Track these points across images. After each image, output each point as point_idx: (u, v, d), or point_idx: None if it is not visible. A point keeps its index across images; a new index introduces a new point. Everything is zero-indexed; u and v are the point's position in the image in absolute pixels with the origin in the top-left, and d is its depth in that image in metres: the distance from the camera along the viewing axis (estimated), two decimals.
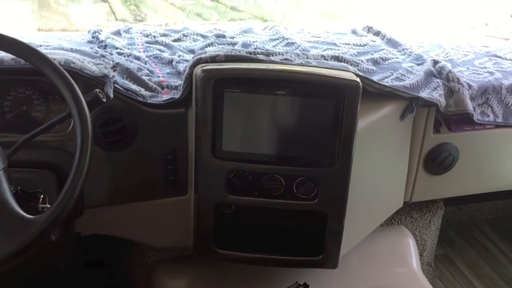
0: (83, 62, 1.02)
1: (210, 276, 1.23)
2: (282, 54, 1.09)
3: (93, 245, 1.27)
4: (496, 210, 1.96)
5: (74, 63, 0.97)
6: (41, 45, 1.17)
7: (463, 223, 1.91)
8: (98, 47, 1.23)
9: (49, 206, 0.83)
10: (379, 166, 1.19)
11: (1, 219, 0.71)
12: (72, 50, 1.13)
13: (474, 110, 1.20)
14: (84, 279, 1.37)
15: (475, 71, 1.29)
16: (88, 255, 1.37)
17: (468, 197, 1.42)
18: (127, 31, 1.41)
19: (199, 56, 1.02)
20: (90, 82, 0.98)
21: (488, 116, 1.24)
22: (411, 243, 1.38)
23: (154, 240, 1.16)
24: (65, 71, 0.80)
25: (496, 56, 1.40)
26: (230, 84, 0.97)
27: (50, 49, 1.12)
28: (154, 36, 1.39)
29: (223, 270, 1.22)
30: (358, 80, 0.97)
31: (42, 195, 0.83)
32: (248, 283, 1.21)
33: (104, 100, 0.88)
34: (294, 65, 1.05)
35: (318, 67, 1.05)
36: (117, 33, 1.39)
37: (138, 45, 1.34)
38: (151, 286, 1.24)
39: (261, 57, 1.05)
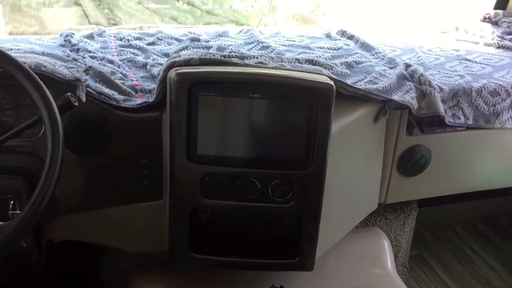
0: (55, 65, 1.00)
1: (186, 281, 1.22)
2: (257, 58, 1.09)
3: (66, 252, 1.25)
4: (468, 211, 2.00)
5: (45, 66, 0.96)
6: (11, 49, 1.15)
7: (437, 224, 1.94)
8: (70, 51, 1.22)
9: (19, 212, 0.81)
10: (354, 168, 1.20)
11: None
12: (43, 54, 1.11)
13: (445, 112, 1.22)
14: (58, 286, 1.35)
15: (446, 74, 1.31)
16: (61, 263, 1.34)
17: (441, 198, 1.44)
18: (100, 34, 1.40)
19: (173, 60, 1.02)
20: (62, 86, 0.96)
21: (459, 118, 1.27)
22: (386, 245, 1.39)
23: (130, 245, 1.14)
24: (34, 74, 0.78)
25: (466, 59, 1.44)
26: (204, 87, 0.96)
27: (20, 52, 1.10)
28: (128, 40, 1.38)
29: (200, 275, 1.22)
30: (331, 83, 0.98)
31: (12, 201, 0.81)
32: (225, 287, 1.21)
33: (76, 104, 0.86)
34: (269, 68, 1.05)
35: (292, 70, 1.05)
36: (90, 36, 1.38)
37: (112, 48, 1.32)
38: None
39: (235, 60, 1.05)
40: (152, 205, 1.10)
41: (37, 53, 1.11)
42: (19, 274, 1.06)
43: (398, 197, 1.36)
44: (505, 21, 1.75)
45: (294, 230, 1.07)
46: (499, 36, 1.62)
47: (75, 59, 1.12)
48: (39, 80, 0.79)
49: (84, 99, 0.95)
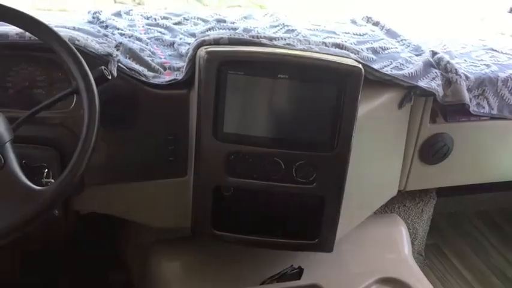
0: (87, 40, 1.02)
1: (205, 258, 1.24)
2: (285, 39, 1.10)
3: (90, 224, 1.28)
4: (486, 203, 1.99)
5: (78, 40, 0.97)
6: None
7: (454, 215, 1.94)
8: (100, 27, 1.23)
9: (52, 180, 0.84)
10: (376, 153, 1.20)
11: (11, 189, 0.72)
12: (74, 29, 1.12)
13: (470, 101, 1.22)
14: (79, 259, 1.38)
15: (472, 63, 1.30)
16: (85, 234, 1.37)
17: (459, 188, 1.44)
18: (127, 13, 1.41)
19: (203, 38, 1.03)
20: (94, 60, 0.98)
21: (484, 107, 1.26)
22: (404, 232, 1.40)
23: (152, 220, 1.16)
24: (73, 47, 0.80)
25: (492, 49, 1.43)
26: (233, 66, 0.97)
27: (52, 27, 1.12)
28: (155, 19, 1.40)
29: (219, 252, 1.24)
30: (360, 66, 0.99)
31: (46, 170, 0.83)
32: (243, 266, 1.22)
33: (109, 77, 0.88)
34: (297, 49, 1.06)
35: (320, 53, 1.06)
36: (118, 14, 1.39)
37: (139, 27, 1.34)
38: (147, 266, 1.25)
39: (264, 41, 1.06)
40: (176, 181, 1.12)
41: (68, 28, 1.13)
42: (47, 243, 1.09)
43: (418, 185, 1.36)
44: None
45: (316, 212, 1.09)
46: None
47: (105, 35, 1.13)
48: (77, 52, 0.80)
49: (115, 73, 0.97)
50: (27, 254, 1.21)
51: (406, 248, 1.37)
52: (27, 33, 0.95)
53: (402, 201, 1.51)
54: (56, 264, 1.37)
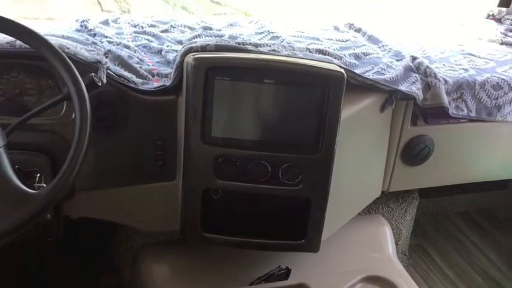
0: (76, 47, 1.04)
1: (194, 260, 1.26)
2: (270, 46, 1.13)
3: (81, 228, 1.29)
4: (467, 203, 2.04)
5: (68, 48, 0.99)
6: None
7: (436, 215, 1.99)
8: (88, 36, 1.25)
9: (44, 185, 0.85)
10: (359, 155, 1.24)
11: (4, 193, 0.73)
12: (63, 37, 1.15)
13: (449, 104, 1.26)
14: (70, 263, 1.39)
15: (450, 68, 1.35)
16: (75, 239, 1.38)
17: (441, 189, 1.48)
18: (115, 21, 1.44)
19: (190, 45, 1.06)
20: (83, 67, 1.00)
21: (463, 110, 1.31)
22: (388, 232, 1.44)
23: (142, 224, 1.18)
24: (64, 54, 0.82)
25: (470, 54, 1.47)
26: (220, 72, 1.00)
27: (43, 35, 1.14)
28: (142, 27, 1.42)
29: (208, 254, 1.26)
30: (342, 71, 1.02)
31: (38, 174, 0.85)
32: (232, 267, 1.25)
33: (99, 84, 0.90)
34: (281, 55, 1.10)
35: (304, 58, 1.09)
36: (106, 22, 1.42)
37: (127, 34, 1.36)
38: (137, 270, 1.27)
39: (249, 47, 1.09)
40: (165, 185, 1.14)
41: (57, 36, 1.15)
42: (35, 248, 1.10)
43: (401, 186, 1.40)
44: (508, 19, 1.78)
45: (302, 213, 1.12)
46: (502, 33, 1.66)
47: (94, 43, 1.15)
48: (68, 59, 0.83)
49: (105, 80, 0.99)
50: (17, 258, 1.21)
51: (391, 248, 1.40)
52: (17, 42, 0.97)
53: (386, 202, 1.55)
54: (46, 268, 1.38)
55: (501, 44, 1.60)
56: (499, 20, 1.82)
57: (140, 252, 1.29)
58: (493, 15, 1.84)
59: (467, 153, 1.39)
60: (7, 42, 0.98)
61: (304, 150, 1.05)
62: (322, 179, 1.08)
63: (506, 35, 1.65)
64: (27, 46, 0.89)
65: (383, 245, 1.40)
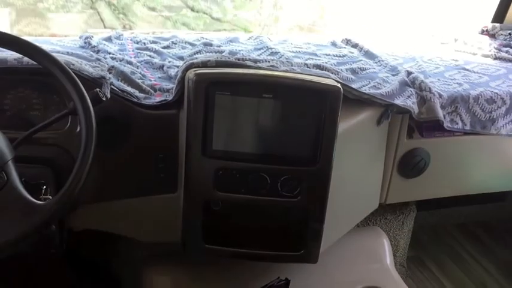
0: (81, 64, 1.07)
1: (195, 271, 1.28)
2: (268, 62, 1.16)
3: (84, 240, 1.31)
4: (465, 216, 2.06)
5: (73, 64, 1.03)
6: None
7: (434, 228, 2.01)
8: (92, 52, 1.29)
9: (50, 197, 0.88)
10: (357, 168, 1.26)
11: (14, 204, 0.76)
12: (68, 53, 1.18)
13: (444, 117, 1.29)
14: (72, 275, 1.40)
15: (445, 82, 1.38)
16: (78, 251, 1.40)
17: (439, 202, 1.51)
18: (118, 37, 1.47)
19: (191, 61, 1.09)
20: (88, 83, 1.03)
21: (457, 123, 1.33)
22: (386, 243, 1.45)
23: (144, 236, 1.21)
24: (70, 70, 0.86)
25: (464, 69, 1.51)
26: (221, 87, 1.03)
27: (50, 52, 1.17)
28: (144, 43, 1.46)
29: (208, 266, 1.28)
30: (339, 85, 1.05)
31: (44, 187, 0.88)
32: (232, 279, 1.27)
33: (104, 99, 0.93)
34: (280, 71, 1.13)
35: (302, 73, 1.13)
36: (108, 39, 1.45)
37: (129, 51, 1.40)
38: (139, 282, 1.29)
39: (249, 63, 1.12)
40: (167, 197, 1.16)
41: (62, 53, 1.18)
42: (37, 260, 1.12)
43: (398, 198, 1.42)
44: (501, 34, 1.83)
45: (301, 224, 1.14)
46: (496, 48, 1.70)
47: (98, 59, 1.19)
48: (74, 75, 0.86)
49: (109, 95, 1.02)
50: (19, 270, 1.23)
51: (389, 259, 1.42)
52: (25, 59, 1.00)
53: (383, 214, 1.57)
54: (48, 279, 1.39)
55: (495, 58, 1.64)
56: (492, 36, 1.86)
57: (142, 264, 1.30)
58: (487, 30, 1.89)
59: (463, 166, 1.41)
60: (15, 59, 1.01)
61: (303, 162, 1.08)
62: (320, 191, 1.10)
63: (499, 50, 1.69)
64: (34, 63, 0.92)
65: (381, 256, 1.41)
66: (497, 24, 1.87)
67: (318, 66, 1.24)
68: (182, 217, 1.15)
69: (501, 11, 1.92)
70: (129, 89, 1.10)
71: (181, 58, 1.37)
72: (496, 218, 2.06)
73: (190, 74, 1.04)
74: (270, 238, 1.16)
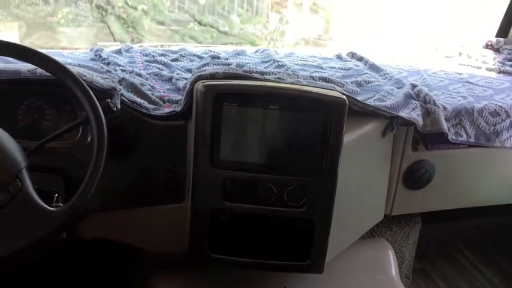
0: (92, 75, 1.10)
1: (202, 281, 1.29)
2: (275, 74, 1.19)
3: (91, 249, 1.33)
4: (471, 228, 2.06)
5: (85, 76, 1.05)
6: None
7: (440, 241, 2.01)
8: (103, 64, 1.32)
9: (61, 205, 0.90)
10: (362, 179, 1.28)
11: (28, 210, 0.78)
12: (79, 66, 1.21)
13: (449, 130, 1.30)
14: (81, 283, 1.42)
15: (449, 95, 1.40)
16: (87, 260, 1.42)
17: (444, 215, 1.51)
18: (127, 50, 1.50)
19: (199, 73, 1.11)
20: (99, 94, 1.05)
21: (462, 136, 1.35)
22: (391, 255, 1.46)
23: (152, 245, 1.22)
24: (83, 81, 0.88)
25: (468, 82, 1.53)
26: (228, 98, 1.05)
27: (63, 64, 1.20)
28: (153, 56, 1.49)
29: (215, 275, 1.29)
30: (344, 97, 1.07)
31: (56, 194, 0.90)
32: None
33: (115, 109, 0.96)
34: (286, 83, 1.15)
35: (307, 86, 1.15)
36: (118, 52, 1.49)
37: (139, 63, 1.42)
38: None
39: (256, 75, 1.14)
40: (175, 207, 1.18)
41: (73, 65, 1.21)
42: (46, 268, 1.14)
43: (403, 209, 1.43)
44: (506, 48, 1.85)
45: (306, 234, 1.15)
46: (500, 62, 1.72)
47: (108, 71, 1.22)
48: (87, 86, 0.88)
49: (119, 106, 1.05)
50: (28, 278, 1.25)
51: (394, 271, 1.43)
52: (38, 70, 1.03)
53: (389, 225, 1.58)
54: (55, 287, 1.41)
55: (499, 72, 1.66)
56: (497, 50, 1.88)
57: (150, 273, 1.32)
58: (491, 45, 1.91)
59: (468, 178, 1.42)
60: (28, 70, 1.04)
61: (308, 173, 1.09)
62: (325, 201, 1.12)
63: (504, 64, 1.71)
64: (47, 74, 0.95)
65: (386, 268, 1.42)
66: (501, 39, 1.90)
67: (324, 79, 1.26)
68: (189, 226, 1.16)
69: (505, 25, 1.94)
70: (138, 100, 1.13)
71: (189, 70, 1.39)
72: (502, 231, 2.06)
73: (199, 85, 1.07)
74: (275, 248, 1.17)
